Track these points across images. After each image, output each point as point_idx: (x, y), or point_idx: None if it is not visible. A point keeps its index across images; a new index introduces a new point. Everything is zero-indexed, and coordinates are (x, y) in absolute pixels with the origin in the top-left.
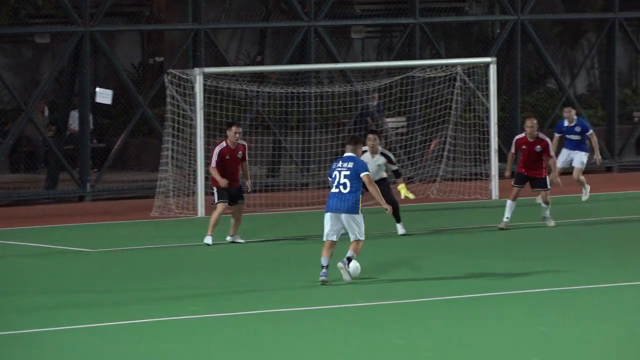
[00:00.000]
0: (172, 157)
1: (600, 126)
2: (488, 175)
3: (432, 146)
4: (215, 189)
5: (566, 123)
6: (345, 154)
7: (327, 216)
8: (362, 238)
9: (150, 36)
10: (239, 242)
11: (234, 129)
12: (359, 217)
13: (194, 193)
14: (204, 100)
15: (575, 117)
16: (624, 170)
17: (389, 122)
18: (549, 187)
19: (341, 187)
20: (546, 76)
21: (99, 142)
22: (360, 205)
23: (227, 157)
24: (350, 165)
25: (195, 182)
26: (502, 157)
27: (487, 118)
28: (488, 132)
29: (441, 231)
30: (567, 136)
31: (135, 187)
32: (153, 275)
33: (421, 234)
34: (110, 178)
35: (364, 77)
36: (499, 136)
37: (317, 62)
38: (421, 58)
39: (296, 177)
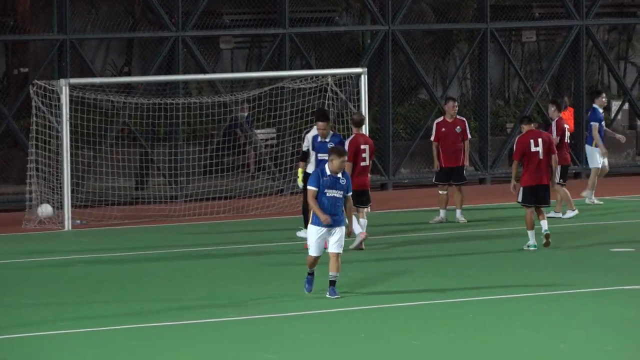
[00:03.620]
0: (38, 169)
1: (472, 137)
2: None
3: None
4: None
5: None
6: None
7: None
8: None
9: (15, 47)
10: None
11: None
12: (309, 227)
13: (61, 206)
14: (70, 112)
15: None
16: (497, 182)
17: (258, 133)
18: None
19: None
20: (418, 87)
21: None
22: (310, 216)
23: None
24: None
25: (62, 195)
26: (373, 169)
27: None
28: None
29: None
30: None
31: (1, 200)
32: (19, 290)
33: (292, 244)
34: None
35: (233, 88)
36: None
37: (185, 72)
38: (291, 69)
39: (164, 189)
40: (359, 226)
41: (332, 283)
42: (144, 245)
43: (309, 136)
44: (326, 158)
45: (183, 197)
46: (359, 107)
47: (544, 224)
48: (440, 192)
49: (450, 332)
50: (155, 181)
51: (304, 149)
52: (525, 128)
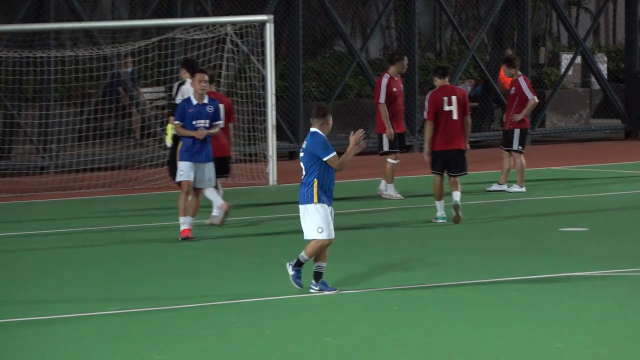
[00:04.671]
0: None
1: None
2: (265, 157)
3: None
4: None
5: None
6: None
7: None
8: (317, 237)
9: None
10: None
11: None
12: (312, 207)
13: None
14: None
15: None
16: None
17: (144, 92)
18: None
19: (303, 173)
20: (333, 37)
21: None
22: (314, 192)
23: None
24: (304, 145)
25: None
26: (281, 135)
27: (264, 88)
28: (265, 105)
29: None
30: None
31: None
32: None
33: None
34: None
35: (114, 39)
36: (277, 109)
37: (57, 20)
38: (183, 16)
39: (33, 159)
40: (219, 198)
41: (320, 275)
42: (6, 224)
43: (178, 99)
44: (205, 125)
45: (54, 168)
46: (263, 61)
47: (456, 195)
48: (391, 161)
49: (370, 326)
50: (22, 149)
51: (177, 101)
52: (438, 82)
